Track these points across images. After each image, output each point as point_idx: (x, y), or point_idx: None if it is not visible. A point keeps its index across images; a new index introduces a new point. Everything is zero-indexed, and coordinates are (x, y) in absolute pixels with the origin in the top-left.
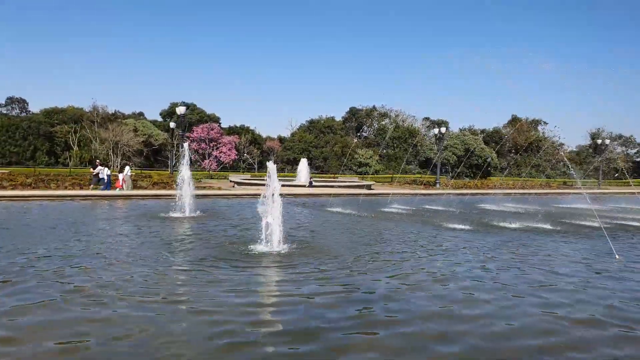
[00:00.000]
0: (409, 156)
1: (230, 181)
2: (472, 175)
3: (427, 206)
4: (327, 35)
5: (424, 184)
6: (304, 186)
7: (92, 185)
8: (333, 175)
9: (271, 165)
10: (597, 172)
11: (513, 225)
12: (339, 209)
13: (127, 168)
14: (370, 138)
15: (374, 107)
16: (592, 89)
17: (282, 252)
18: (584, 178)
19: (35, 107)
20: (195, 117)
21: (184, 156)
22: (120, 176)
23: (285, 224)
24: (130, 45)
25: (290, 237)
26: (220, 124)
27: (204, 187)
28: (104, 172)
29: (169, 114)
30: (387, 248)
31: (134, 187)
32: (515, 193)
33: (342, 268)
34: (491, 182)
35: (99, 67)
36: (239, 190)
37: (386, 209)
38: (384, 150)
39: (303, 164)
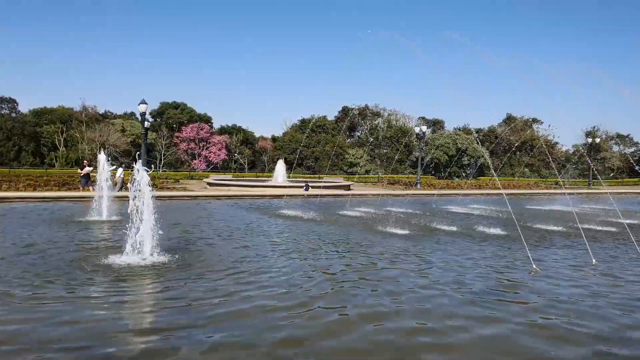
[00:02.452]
0: (400, 155)
1: (205, 182)
2: (464, 175)
3: (388, 208)
4: (321, 34)
5: (405, 184)
6: (283, 187)
7: (82, 187)
8: (319, 175)
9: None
10: (589, 171)
11: (452, 229)
12: (285, 212)
13: (119, 170)
14: (362, 138)
15: (366, 106)
16: (594, 88)
17: (153, 264)
18: (578, 177)
19: (25, 108)
20: (185, 117)
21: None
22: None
23: (201, 230)
24: (122, 45)
25: (187, 246)
26: (211, 124)
27: (171, 189)
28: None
29: (159, 113)
30: (282, 261)
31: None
32: (488, 193)
33: (208, 292)
34: (478, 183)
35: (91, 67)
36: (208, 192)
37: (339, 212)
38: (376, 150)
39: (280, 165)
